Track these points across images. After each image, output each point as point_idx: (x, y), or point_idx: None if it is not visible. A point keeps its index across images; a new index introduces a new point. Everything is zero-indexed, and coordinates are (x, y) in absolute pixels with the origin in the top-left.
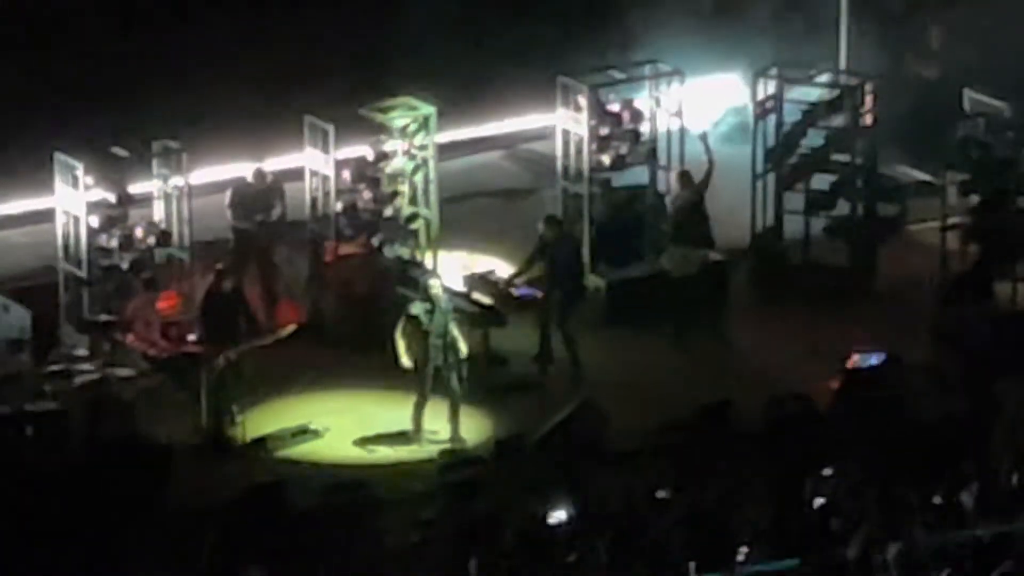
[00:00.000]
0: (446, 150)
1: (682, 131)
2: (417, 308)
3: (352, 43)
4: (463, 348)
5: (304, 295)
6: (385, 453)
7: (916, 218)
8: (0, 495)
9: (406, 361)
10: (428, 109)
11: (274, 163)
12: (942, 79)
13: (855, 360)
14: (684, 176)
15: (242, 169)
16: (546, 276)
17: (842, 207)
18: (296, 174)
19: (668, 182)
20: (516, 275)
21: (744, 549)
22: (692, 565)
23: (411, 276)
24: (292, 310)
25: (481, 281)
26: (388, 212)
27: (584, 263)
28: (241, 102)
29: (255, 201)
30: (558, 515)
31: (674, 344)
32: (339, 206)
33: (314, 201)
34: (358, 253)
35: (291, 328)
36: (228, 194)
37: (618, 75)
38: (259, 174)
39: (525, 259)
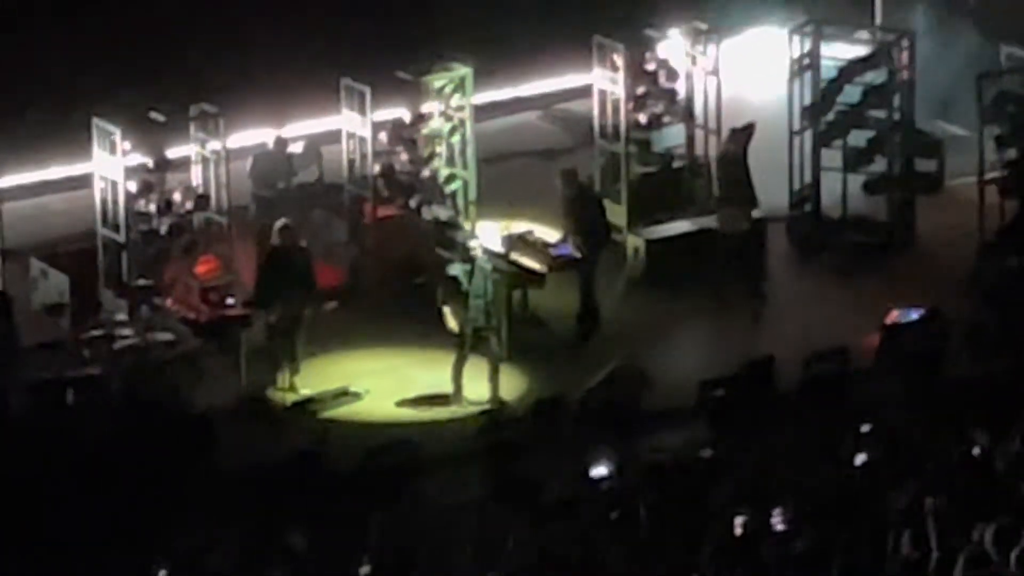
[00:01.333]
0: (483, 111)
1: (718, 89)
2: (456, 269)
3: (388, 4)
4: (502, 308)
5: (342, 258)
6: (425, 414)
7: (954, 173)
8: (42, 461)
9: (452, 324)
10: (464, 70)
11: (311, 126)
12: (978, 34)
13: (895, 316)
14: (731, 134)
15: (281, 132)
16: (570, 231)
17: (880, 163)
18: (333, 137)
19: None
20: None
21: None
22: (738, 520)
23: (449, 237)
24: (331, 273)
25: (519, 241)
26: (426, 174)
27: (607, 218)
28: (277, 65)
29: (276, 168)
30: (599, 473)
31: (715, 302)
32: (376, 168)
33: (351, 164)
34: (396, 215)
35: (333, 304)
36: (248, 162)
37: (654, 33)
38: (280, 141)
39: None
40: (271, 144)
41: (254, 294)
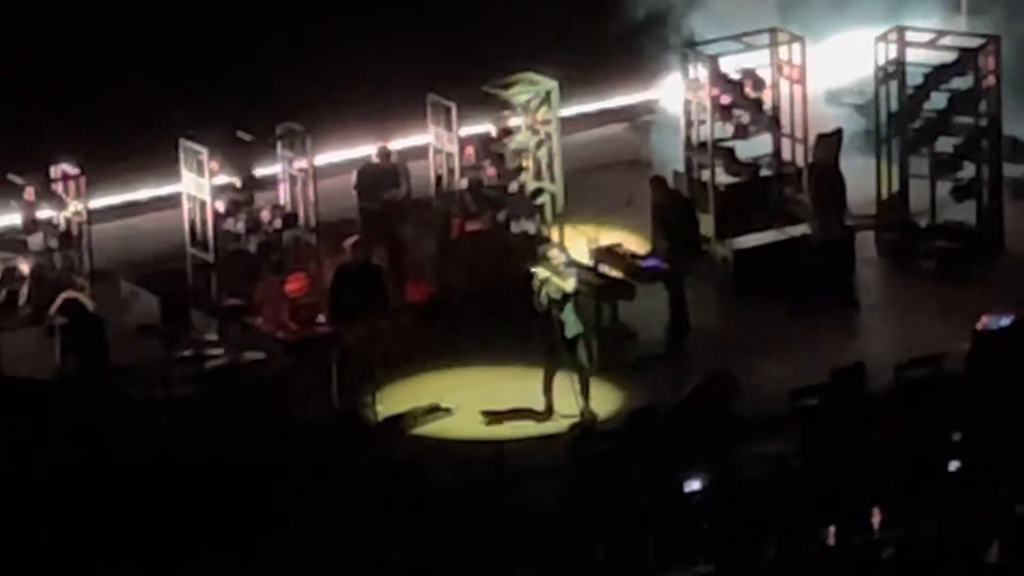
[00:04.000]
0: (569, 124)
1: (804, 97)
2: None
3: (473, 20)
4: (591, 321)
5: (431, 272)
6: (516, 429)
7: None
8: (136, 482)
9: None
10: (550, 83)
11: (398, 142)
12: None
13: (985, 322)
14: (821, 141)
15: (366, 149)
16: (659, 239)
17: (967, 169)
18: (420, 152)
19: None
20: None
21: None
22: (831, 530)
23: (537, 251)
24: (420, 288)
25: (608, 254)
26: (513, 187)
27: (698, 225)
28: (364, 82)
29: (381, 180)
30: (692, 485)
31: (805, 311)
32: (464, 183)
33: (439, 179)
34: (484, 229)
35: (407, 317)
36: (354, 175)
37: (739, 44)
38: (383, 152)
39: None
40: (375, 156)
41: (327, 312)
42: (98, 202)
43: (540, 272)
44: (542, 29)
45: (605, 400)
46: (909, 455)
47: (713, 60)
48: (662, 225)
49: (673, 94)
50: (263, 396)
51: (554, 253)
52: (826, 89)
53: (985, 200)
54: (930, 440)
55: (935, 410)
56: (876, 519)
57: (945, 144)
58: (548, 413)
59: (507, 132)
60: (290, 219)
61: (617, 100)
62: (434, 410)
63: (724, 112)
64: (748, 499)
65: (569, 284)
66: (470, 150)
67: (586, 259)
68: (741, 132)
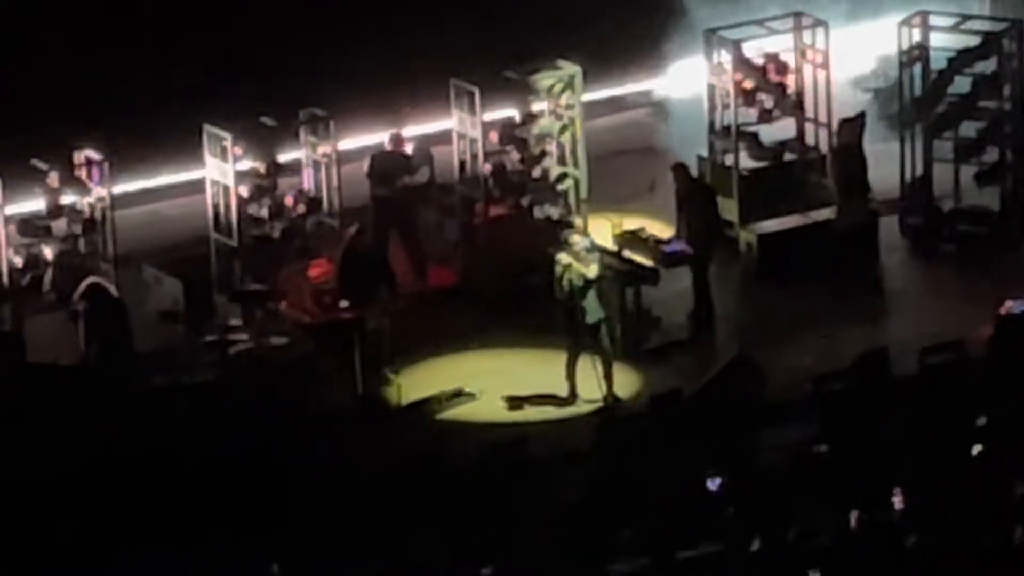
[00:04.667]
0: (592, 109)
1: (828, 82)
2: (557, 267)
3: (496, 4)
4: (615, 306)
5: (455, 257)
6: (540, 413)
7: None
8: (159, 466)
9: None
10: (573, 68)
11: (421, 127)
12: None
13: (1008, 307)
14: (844, 125)
15: (398, 130)
16: (683, 225)
17: (991, 153)
18: (444, 138)
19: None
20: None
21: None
22: (854, 515)
23: (561, 236)
24: (443, 273)
25: (632, 238)
26: (536, 173)
27: (720, 212)
28: (387, 67)
29: (394, 167)
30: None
31: (829, 296)
32: (487, 168)
33: (462, 164)
34: (508, 214)
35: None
36: (366, 162)
37: (762, 28)
38: (396, 139)
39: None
40: (387, 143)
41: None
42: (122, 188)
43: (562, 258)
44: (565, 14)
45: (628, 385)
46: (932, 440)
47: (737, 45)
48: (685, 212)
49: (687, 79)
50: (286, 381)
51: (576, 238)
52: (851, 75)
53: (1009, 184)
54: (953, 425)
55: (958, 395)
56: (898, 503)
57: (969, 128)
58: (571, 398)
59: (530, 117)
60: (314, 204)
61: (640, 85)
62: (458, 395)
63: (747, 97)
64: (770, 485)
65: (591, 270)
66: (493, 135)
67: (610, 244)
68: (764, 117)
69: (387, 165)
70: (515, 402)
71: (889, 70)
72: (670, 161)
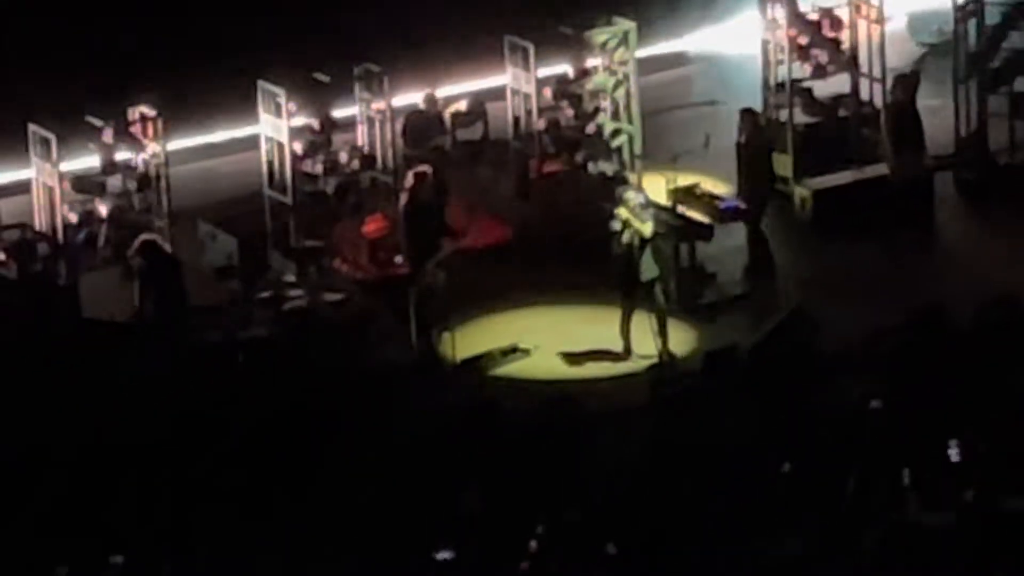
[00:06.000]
0: (647, 64)
1: (883, 37)
2: (613, 224)
3: None
4: (669, 262)
5: (509, 213)
6: (595, 369)
7: None
8: (214, 423)
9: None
10: (628, 24)
11: (476, 84)
12: None
13: None
14: (899, 80)
15: (444, 91)
16: (739, 174)
17: None
18: (498, 94)
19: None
20: None
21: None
22: (905, 472)
23: (615, 192)
24: (497, 229)
25: (686, 194)
26: (590, 129)
27: (772, 166)
28: (441, 22)
29: (427, 128)
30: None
31: (884, 251)
32: (542, 124)
33: (516, 120)
34: (562, 170)
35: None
36: (400, 122)
37: None
38: (430, 99)
39: None
40: (421, 102)
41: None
42: (176, 144)
43: (621, 213)
44: None
45: (683, 341)
46: (989, 395)
47: (791, 0)
48: (743, 160)
49: (742, 36)
50: (341, 338)
51: (631, 195)
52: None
53: None
54: (1010, 380)
55: (1015, 350)
56: (955, 455)
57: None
58: (626, 354)
59: (584, 73)
60: (368, 160)
61: (694, 41)
62: (512, 351)
63: (802, 52)
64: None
65: (647, 228)
66: (548, 91)
67: (664, 200)
68: (819, 72)
69: (420, 126)
70: (570, 358)
71: (944, 25)
72: (725, 118)
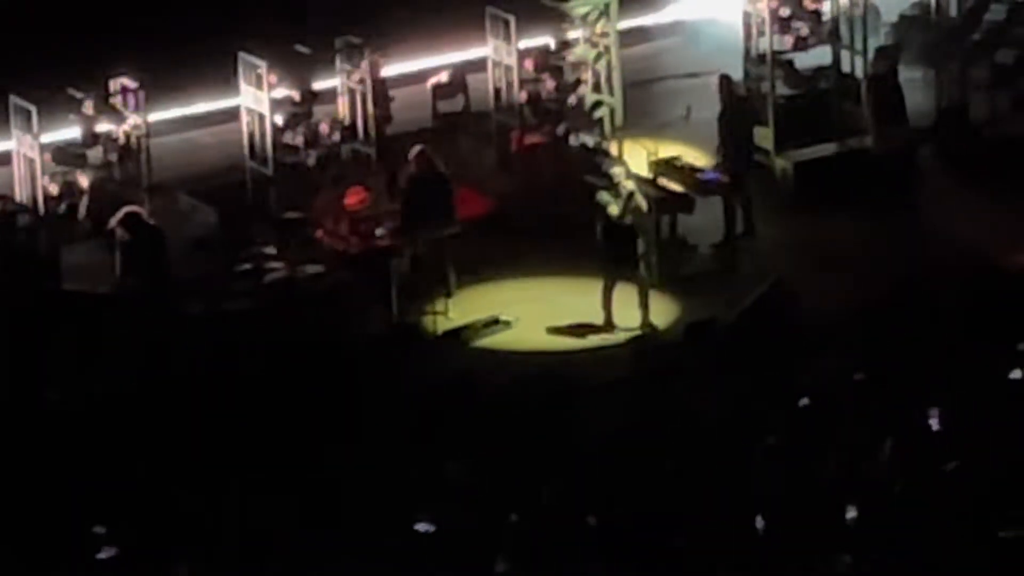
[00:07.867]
0: (628, 36)
1: (865, 8)
2: (603, 196)
3: None
4: (651, 234)
5: (490, 185)
6: (576, 341)
7: None
8: (195, 394)
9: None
10: None
11: (457, 55)
12: None
13: None
14: (880, 53)
15: (425, 62)
16: (721, 143)
17: None
18: (479, 66)
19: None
20: None
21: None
22: (888, 443)
23: (596, 164)
24: (479, 201)
25: (667, 167)
26: (572, 100)
27: (754, 136)
28: None
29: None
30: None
31: (866, 223)
32: (523, 96)
33: (498, 92)
34: (543, 142)
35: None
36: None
37: None
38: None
39: None
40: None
41: (400, 222)
42: (157, 116)
43: (627, 185)
44: None
45: (664, 313)
46: (972, 366)
47: None
48: (721, 126)
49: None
50: (322, 309)
51: (619, 170)
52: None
53: None
54: (993, 350)
55: (996, 320)
56: (935, 424)
57: (1006, 56)
58: (608, 326)
59: (566, 45)
60: (349, 132)
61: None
62: (493, 323)
63: (783, 24)
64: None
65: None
66: (529, 63)
67: (645, 172)
68: (800, 44)
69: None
70: (551, 330)
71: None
72: (705, 89)
